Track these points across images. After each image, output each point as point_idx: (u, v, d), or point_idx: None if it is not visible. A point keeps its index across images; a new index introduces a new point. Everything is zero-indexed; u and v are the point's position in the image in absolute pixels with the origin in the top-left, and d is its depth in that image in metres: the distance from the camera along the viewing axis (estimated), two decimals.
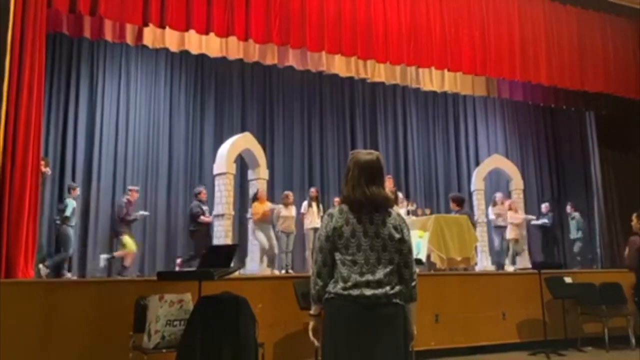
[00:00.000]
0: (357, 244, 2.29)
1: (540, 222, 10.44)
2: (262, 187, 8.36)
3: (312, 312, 2.43)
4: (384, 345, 2.22)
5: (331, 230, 2.33)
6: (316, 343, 2.41)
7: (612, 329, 6.81)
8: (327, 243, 2.34)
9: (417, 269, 2.43)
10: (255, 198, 8.12)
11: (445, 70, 8.89)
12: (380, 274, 2.27)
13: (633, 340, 6.80)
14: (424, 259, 3.82)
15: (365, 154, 2.51)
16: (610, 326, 6.82)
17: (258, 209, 7.96)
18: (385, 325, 2.23)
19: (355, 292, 2.24)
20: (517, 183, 10.19)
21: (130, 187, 8.01)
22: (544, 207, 10.62)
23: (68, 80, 8.53)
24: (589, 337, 7.03)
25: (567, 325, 6.80)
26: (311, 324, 2.43)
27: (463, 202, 8.42)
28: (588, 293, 7.05)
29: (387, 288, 2.26)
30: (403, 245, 2.34)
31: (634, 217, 5.36)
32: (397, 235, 2.33)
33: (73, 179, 8.30)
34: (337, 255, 2.32)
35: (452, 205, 8.31)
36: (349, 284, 2.26)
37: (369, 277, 2.26)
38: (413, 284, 2.35)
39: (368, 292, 2.24)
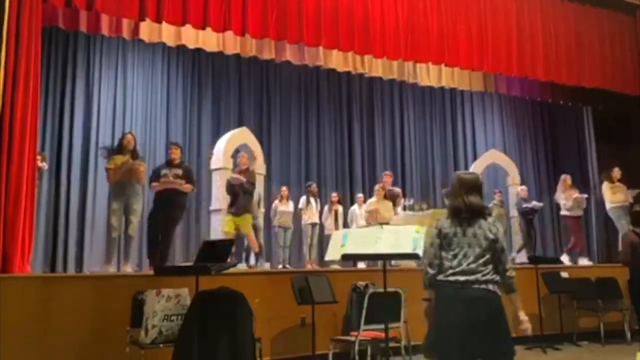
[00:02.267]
0: (457, 242, 2.95)
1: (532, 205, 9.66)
2: None
3: (425, 296, 3.06)
4: (473, 320, 2.81)
5: (437, 232, 3.03)
6: (425, 320, 3.03)
7: (607, 324, 6.84)
8: (436, 239, 3.01)
9: (511, 265, 2.97)
10: None
11: (443, 66, 8.89)
12: (473, 265, 2.89)
13: (629, 335, 6.84)
14: (421, 254, 3.84)
15: (466, 173, 3.24)
16: (606, 321, 6.85)
17: None
18: (473, 304, 2.83)
19: (452, 278, 2.90)
20: (514, 178, 10.21)
21: None
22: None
23: (64, 75, 8.50)
24: (584, 331, 7.07)
25: (563, 319, 6.83)
26: (424, 306, 3.06)
27: None
28: (584, 288, 7.08)
29: (479, 275, 2.88)
30: (496, 245, 2.93)
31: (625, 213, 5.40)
32: (491, 236, 2.93)
33: (69, 174, 8.28)
34: (442, 252, 2.98)
35: None
36: (449, 272, 2.92)
37: (464, 267, 2.90)
38: (509, 275, 2.94)
39: (462, 278, 2.88)
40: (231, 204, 7.14)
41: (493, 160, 10.40)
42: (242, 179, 7.02)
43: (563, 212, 9.00)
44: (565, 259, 8.64)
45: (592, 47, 9.19)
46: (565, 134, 11.81)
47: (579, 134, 11.40)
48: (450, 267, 2.92)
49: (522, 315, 3.00)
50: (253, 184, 7.24)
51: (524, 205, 9.31)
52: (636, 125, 9.92)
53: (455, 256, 2.94)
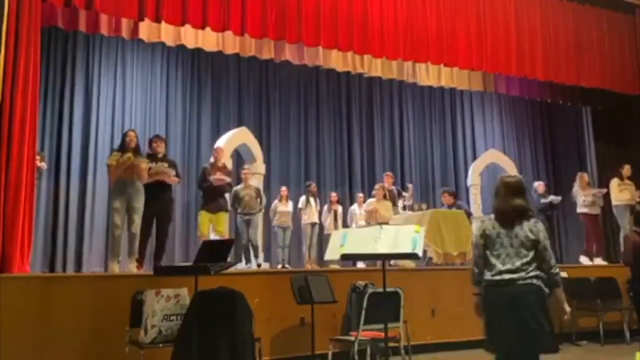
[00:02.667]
0: (500, 243, 3.16)
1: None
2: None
3: (476, 292, 3.35)
4: (518, 316, 3.06)
5: (481, 233, 3.25)
6: (476, 313, 3.35)
7: (607, 324, 6.84)
8: (480, 240, 3.25)
9: (554, 262, 3.17)
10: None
11: (442, 65, 8.89)
12: (517, 264, 3.10)
13: (628, 335, 6.84)
14: (420, 254, 3.85)
15: (509, 176, 3.45)
16: (605, 321, 6.86)
17: None
18: (518, 300, 3.05)
19: (497, 277, 3.13)
20: None
21: None
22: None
23: (63, 75, 8.49)
24: (584, 331, 7.07)
25: (562, 319, 6.81)
26: (474, 301, 3.38)
27: (457, 195, 8.51)
28: (583, 288, 7.08)
29: (522, 273, 3.09)
30: (538, 245, 3.13)
31: (627, 213, 5.40)
32: (532, 237, 3.13)
33: (68, 174, 8.28)
34: (487, 252, 3.20)
35: (448, 199, 8.31)
36: (494, 271, 3.15)
37: (508, 266, 3.11)
38: (553, 272, 3.15)
39: (507, 276, 3.10)
40: (208, 201, 6.87)
41: (492, 160, 10.41)
42: (226, 179, 6.88)
43: (580, 210, 8.79)
44: (584, 260, 8.52)
45: (591, 46, 9.19)
46: (564, 133, 11.81)
47: (578, 133, 11.41)
48: (496, 266, 3.15)
49: (566, 307, 3.34)
50: (230, 183, 7.11)
51: (542, 201, 9.01)
52: (635, 125, 9.91)
53: (499, 256, 3.16)
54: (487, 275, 3.18)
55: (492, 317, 3.18)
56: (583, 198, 8.74)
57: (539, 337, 3.07)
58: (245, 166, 7.95)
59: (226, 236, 6.91)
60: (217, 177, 6.75)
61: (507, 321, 3.08)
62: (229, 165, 8.04)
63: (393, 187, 8.76)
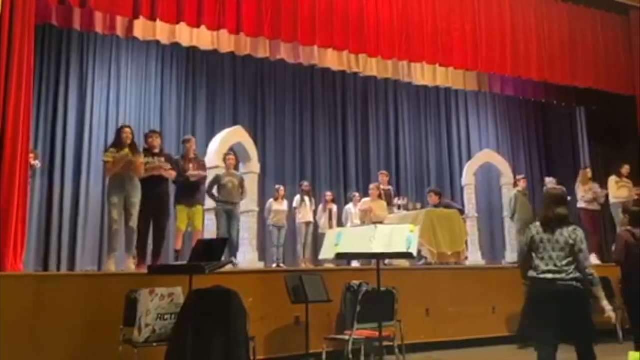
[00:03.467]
0: (544, 247, 3.65)
1: None
2: None
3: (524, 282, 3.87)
4: (558, 311, 3.53)
5: (530, 238, 3.75)
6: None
7: (599, 323, 6.83)
8: (526, 246, 3.76)
9: (588, 264, 3.64)
10: None
11: (437, 65, 8.90)
12: (558, 265, 3.59)
13: (621, 334, 6.87)
14: (414, 253, 3.87)
15: (554, 188, 4.24)
16: (598, 320, 6.87)
17: None
18: (560, 296, 3.53)
19: (542, 276, 3.62)
20: (507, 178, 10.22)
21: None
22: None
23: (57, 73, 8.45)
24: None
25: (605, 316, 6.83)
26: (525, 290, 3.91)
27: (441, 195, 8.58)
28: None
29: (564, 274, 3.58)
30: (575, 248, 3.60)
31: (620, 212, 5.42)
32: (571, 242, 3.60)
33: (62, 172, 8.24)
34: (533, 254, 3.70)
35: (434, 199, 8.33)
36: (539, 271, 3.64)
37: (551, 267, 3.60)
38: (588, 272, 3.60)
39: (550, 276, 3.59)
40: (184, 195, 6.51)
41: (487, 160, 10.41)
42: (203, 174, 6.64)
43: (580, 205, 8.82)
44: (593, 258, 8.58)
45: (586, 47, 9.23)
46: (558, 133, 11.85)
47: (572, 133, 11.45)
48: (541, 267, 3.63)
49: (606, 305, 3.76)
50: (207, 177, 6.83)
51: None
52: (629, 125, 9.97)
53: (543, 258, 3.64)
54: (533, 274, 3.67)
55: (534, 311, 3.65)
56: (582, 194, 8.77)
57: (577, 330, 3.58)
58: (230, 153, 7.57)
59: (201, 232, 6.68)
60: (194, 173, 6.48)
61: (548, 316, 3.54)
62: (224, 164, 7.99)
63: (389, 187, 8.77)
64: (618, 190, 8.68)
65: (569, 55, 8.99)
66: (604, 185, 8.97)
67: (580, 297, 3.59)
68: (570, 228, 3.65)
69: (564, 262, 3.58)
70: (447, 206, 8.28)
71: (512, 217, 9.34)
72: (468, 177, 10.12)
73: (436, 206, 8.14)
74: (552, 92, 10.10)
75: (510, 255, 9.51)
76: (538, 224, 3.76)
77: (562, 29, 9.04)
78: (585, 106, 10.74)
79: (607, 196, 8.87)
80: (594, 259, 8.53)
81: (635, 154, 9.74)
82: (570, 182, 9.57)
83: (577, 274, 3.58)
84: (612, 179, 8.83)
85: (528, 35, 8.67)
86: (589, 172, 9.07)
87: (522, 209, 9.17)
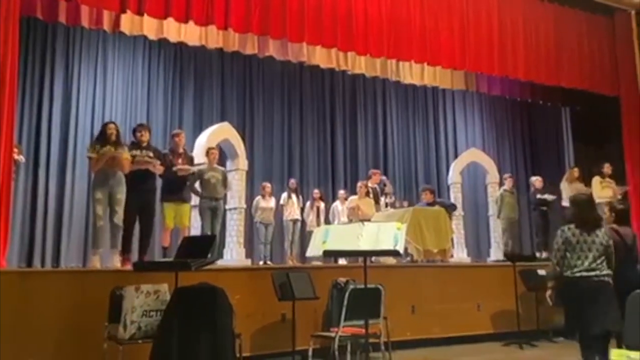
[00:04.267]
0: (580, 247, 4.01)
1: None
2: None
3: (549, 285, 4.31)
4: (595, 304, 3.92)
5: (565, 239, 4.08)
6: (550, 302, 4.27)
7: None
8: (562, 246, 4.08)
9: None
10: None
11: (425, 64, 8.95)
12: (592, 264, 3.97)
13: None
14: (401, 251, 3.89)
15: (584, 194, 4.78)
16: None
17: None
18: (594, 292, 3.93)
19: (578, 274, 3.98)
20: (493, 177, 10.32)
21: None
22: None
23: (42, 67, 8.34)
24: (560, 328, 7.17)
25: (540, 316, 6.94)
26: (549, 292, 4.29)
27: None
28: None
29: (597, 272, 3.97)
30: (607, 249, 4.04)
31: (606, 210, 5.48)
32: (604, 243, 4.04)
33: (47, 167, 8.14)
34: (568, 254, 4.04)
35: (429, 197, 8.37)
36: (575, 270, 4.00)
37: (586, 266, 3.97)
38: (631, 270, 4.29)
39: (585, 274, 3.97)
40: (170, 192, 6.37)
41: (473, 158, 10.50)
42: (191, 168, 6.50)
43: (564, 204, 8.78)
44: None
45: (571, 48, 9.33)
46: (543, 133, 11.98)
47: (557, 133, 11.59)
48: (577, 266, 3.99)
49: None
50: (194, 173, 6.67)
51: (538, 197, 9.09)
52: (612, 125, 10.10)
53: (579, 257, 4.00)
54: (568, 272, 4.02)
55: (573, 306, 3.99)
56: (568, 193, 8.84)
57: (611, 322, 3.86)
58: (213, 148, 7.45)
59: (188, 228, 6.59)
60: (181, 168, 6.34)
61: (586, 310, 3.91)
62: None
63: (376, 185, 8.79)
64: (602, 190, 8.76)
65: (554, 55, 9.08)
66: (587, 184, 9.07)
67: (612, 291, 3.99)
68: (603, 230, 4.12)
69: (598, 262, 3.99)
70: (441, 204, 8.33)
71: (498, 216, 9.43)
72: (454, 175, 10.19)
73: (430, 204, 8.18)
74: (537, 92, 10.21)
75: (495, 254, 9.60)
76: (572, 226, 4.11)
77: (549, 30, 9.13)
78: (570, 106, 10.87)
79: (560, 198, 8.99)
80: None
81: (618, 154, 9.89)
82: (555, 180, 9.69)
83: (608, 271, 4.02)
84: (596, 180, 8.92)
85: (515, 35, 8.75)
86: (575, 172, 9.14)
87: (507, 208, 9.26)
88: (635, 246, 5.19)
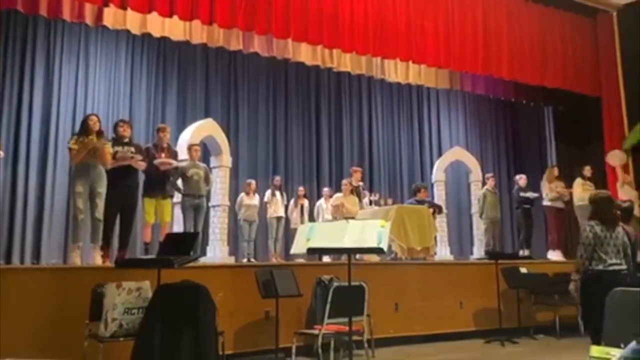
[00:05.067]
0: (607, 243, 4.35)
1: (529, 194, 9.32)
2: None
3: (574, 277, 4.52)
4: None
5: (593, 234, 4.36)
6: (574, 295, 4.56)
7: (563, 317, 7.07)
8: (592, 240, 4.34)
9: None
10: None
11: (410, 62, 8.97)
12: (617, 259, 4.36)
13: (582, 328, 7.06)
14: (385, 248, 3.89)
15: (603, 192, 5.00)
16: (561, 315, 7.08)
17: None
18: (619, 284, 3.76)
19: (609, 268, 4.32)
20: (476, 175, 10.40)
21: None
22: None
23: (23, 60, 8.17)
24: (541, 325, 7.29)
25: (521, 314, 7.02)
26: (572, 285, 4.55)
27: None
28: (541, 283, 7.28)
29: (622, 266, 4.37)
30: (626, 245, 4.44)
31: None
32: (625, 239, 4.44)
33: (27, 163, 8.01)
34: (597, 248, 4.34)
35: (424, 194, 8.43)
36: (606, 264, 4.32)
37: (614, 260, 4.34)
38: (631, 263, 4.46)
39: (611, 268, 4.32)
40: (152, 187, 6.29)
41: (457, 157, 10.57)
42: (173, 162, 6.41)
43: (545, 203, 8.99)
44: (552, 255, 8.69)
45: (555, 48, 9.43)
46: (526, 132, 12.10)
47: (539, 132, 11.71)
48: (606, 260, 4.31)
49: None
50: (177, 168, 6.60)
51: (522, 195, 9.16)
52: (594, 125, 10.24)
53: (607, 252, 4.33)
54: (600, 266, 4.31)
55: (603, 297, 3.99)
56: (547, 192, 8.93)
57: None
58: (196, 144, 7.22)
59: (170, 224, 6.50)
60: (162, 161, 6.25)
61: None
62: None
63: (360, 183, 8.80)
64: (583, 192, 8.81)
65: (538, 55, 9.17)
66: (568, 184, 9.18)
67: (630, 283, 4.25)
68: (621, 227, 4.49)
69: (621, 255, 4.37)
70: (430, 204, 8.38)
71: (480, 216, 9.51)
72: (438, 173, 10.25)
73: (421, 202, 8.24)
74: (521, 91, 10.30)
75: (478, 251, 9.68)
76: (595, 222, 4.40)
77: (533, 30, 9.22)
78: (553, 106, 10.99)
79: (570, 195, 9.06)
80: (558, 256, 8.76)
81: (600, 154, 10.03)
82: (537, 180, 9.80)
83: (628, 266, 4.40)
84: (578, 181, 9.02)
85: (499, 35, 8.82)
86: (555, 170, 9.23)
87: (490, 207, 9.34)
88: (637, 244, 5.34)
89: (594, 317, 4.08)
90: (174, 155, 6.57)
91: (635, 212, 7.36)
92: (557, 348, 6.53)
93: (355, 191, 8.47)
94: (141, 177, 6.31)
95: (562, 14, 9.70)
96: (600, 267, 4.30)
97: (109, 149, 5.62)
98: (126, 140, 5.96)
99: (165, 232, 6.10)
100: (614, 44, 10.11)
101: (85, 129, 5.62)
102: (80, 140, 5.50)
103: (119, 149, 5.81)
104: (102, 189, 5.57)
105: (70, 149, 5.62)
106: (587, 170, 9.04)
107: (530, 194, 9.14)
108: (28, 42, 8.23)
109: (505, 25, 8.92)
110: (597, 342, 3.91)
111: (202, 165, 7.04)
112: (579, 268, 4.43)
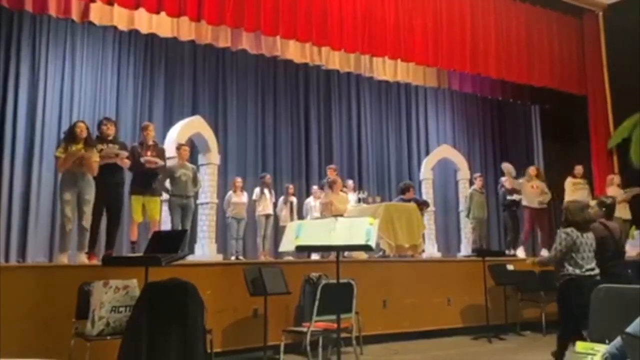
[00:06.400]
0: (583, 249, 4.53)
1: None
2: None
3: (539, 261, 5.23)
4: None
5: (571, 240, 4.54)
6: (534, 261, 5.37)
7: (548, 314, 7.14)
8: (565, 248, 4.54)
9: None
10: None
11: (398, 60, 8.99)
12: (593, 264, 4.55)
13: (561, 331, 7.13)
14: (373, 246, 3.91)
15: (572, 201, 5.29)
16: (547, 311, 7.15)
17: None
18: (597, 285, 4.00)
19: (586, 273, 4.49)
20: (464, 173, 10.46)
21: None
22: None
23: (7, 57, 8.04)
24: (527, 322, 7.36)
25: (508, 310, 7.08)
26: (539, 260, 5.25)
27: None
28: (528, 280, 7.35)
29: (596, 271, 4.55)
30: (593, 247, 4.61)
31: (593, 204, 5.62)
32: (594, 243, 4.61)
33: (12, 161, 7.90)
34: (573, 254, 4.52)
35: (412, 194, 8.46)
36: (583, 269, 4.50)
37: (591, 265, 4.54)
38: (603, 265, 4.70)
39: (588, 273, 4.50)
40: (139, 185, 6.28)
41: (444, 155, 10.62)
42: (159, 162, 6.37)
43: (524, 202, 8.97)
44: (520, 252, 8.69)
45: (542, 47, 9.52)
46: (513, 131, 12.19)
47: (526, 131, 11.80)
48: (583, 266, 4.50)
49: None
50: (164, 166, 6.56)
51: (508, 198, 9.20)
52: (580, 124, 10.34)
53: (584, 258, 4.51)
54: (577, 271, 4.49)
55: (580, 299, 4.23)
56: (526, 191, 8.92)
57: None
58: (184, 144, 7.21)
59: (157, 223, 6.49)
60: (149, 159, 6.21)
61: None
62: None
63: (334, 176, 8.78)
64: (574, 192, 8.83)
65: (525, 54, 9.25)
66: (558, 184, 9.17)
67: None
68: (591, 232, 4.64)
69: (595, 261, 4.55)
70: (415, 200, 8.42)
71: (467, 215, 9.57)
72: (426, 171, 10.30)
73: (407, 200, 8.27)
74: (508, 90, 10.38)
75: (465, 249, 9.74)
76: (571, 229, 4.56)
77: (520, 29, 9.29)
78: (540, 105, 11.08)
79: (552, 196, 8.97)
80: (521, 253, 8.75)
81: (586, 152, 10.14)
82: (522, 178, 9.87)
83: (600, 270, 4.58)
84: (569, 181, 9.06)
85: (487, 34, 8.87)
86: (533, 170, 9.15)
87: (477, 207, 9.39)
88: (622, 240, 5.39)
89: (571, 320, 4.42)
90: (160, 153, 6.52)
91: (619, 213, 7.49)
92: (543, 344, 6.58)
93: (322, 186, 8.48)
94: (127, 176, 6.26)
95: (548, 14, 9.78)
96: (578, 271, 4.48)
97: (95, 157, 5.56)
98: (110, 138, 5.92)
99: (154, 230, 6.06)
100: (600, 44, 10.22)
101: (72, 136, 5.55)
102: (67, 149, 5.44)
103: (103, 147, 5.76)
104: (90, 195, 5.52)
105: (56, 158, 5.55)
106: (578, 170, 9.09)
107: (516, 197, 9.17)
108: (13, 39, 8.10)
109: (492, 24, 8.97)
110: (564, 343, 4.47)
111: (191, 166, 7.02)
112: (542, 261, 5.01)
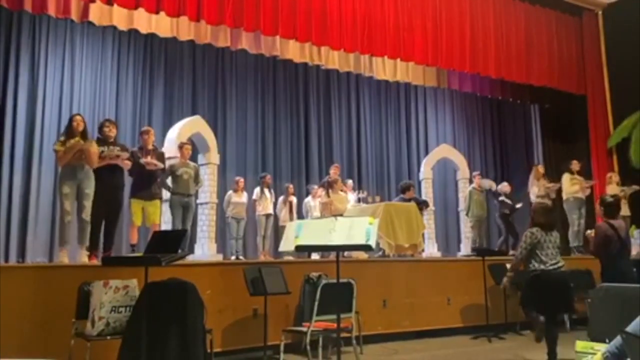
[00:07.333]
0: (547, 246, 4.90)
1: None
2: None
3: (509, 273, 5.32)
4: (565, 290, 4.98)
5: (535, 239, 4.90)
6: (505, 285, 5.48)
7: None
8: (529, 246, 4.90)
9: None
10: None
11: (398, 60, 8.99)
12: (556, 259, 4.89)
13: (568, 324, 7.16)
14: (373, 245, 3.91)
15: (539, 203, 5.61)
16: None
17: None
18: (563, 281, 4.92)
19: (549, 267, 4.85)
20: (463, 173, 10.46)
21: None
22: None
23: (7, 57, 8.05)
24: (527, 321, 7.33)
25: (508, 310, 7.08)
26: (506, 280, 5.39)
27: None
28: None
29: (560, 264, 4.90)
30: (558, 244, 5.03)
31: (598, 203, 5.63)
32: (558, 241, 5.02)
33: (12, 160, 7.90)
34: (538, 251, 4.88)
35: (412, 193, 8.46)
36: (547, 265, 4.84)
37: (553, 261, 4.87)
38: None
39: (556, 267, 4.87)
40: (139, 188, 6.28)
41: (444, 154, 10.62)
42: (159, 164, 6.35)
43: (533, 200, 8.82)
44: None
45: (541, 46, 9.52)
46: (513, 130, 12.19)
47: (526, 130, 11.81)
48: (546, 262, 4.84)
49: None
50: (164, 169, 6.54)
51: (505, 201, 9.30)
52: (580, 123, 10.35)
53: (548, 254, 4.87)
54: (542, 267, 4.84)
55: (547, 291, 4.79)
56: (536, 189, 9.01)
57: (568, 302, 5.03)
58: (187, 142, 7.23)
59: (158, 226, 6.45)
60: (149, 161, 6.22)
61: (557, 294, 4.82)
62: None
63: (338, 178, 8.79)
64: (571, 186, 8.96)
65: (524, 53, 9.25)
66: (555, 181, 9.26)
67: (567, 278, 5.02)
68: (555, 231, 5.03)
69: (559, 257, 4.91)
70: (415, 200, 8.43)
71: (467, 214, 9.58)
72: (426, 171, 10.30)
73: (408, 201, 8.28)
74: (507, 89, 10.38)
75: (465, 248, 9.74)
76: (536, 229, 4.92)
77: (519, 29, 9.30)
78: (539, 104, 11.09)
79: (559, 191, 9.14)
80: None
81: (586, 152, 10.14)
82: (523, 177, 9.89)
83: (563, 262, 4.95)
84: (566, 176, 9.11)
85: (486, 33, 8.88)
86: (540, 168, 9.28)
87: (476, 205, 9.40)
88: (628, 238, 5.37)
89: (547, 305, 4.87)
90: (160, 157, 6.53)
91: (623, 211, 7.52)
92: (543, 344, 6.58)
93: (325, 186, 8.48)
94: (127, 179, 6.27)
95: (548, 13, 9.78)
96: (542, 267, 4.84)
97: (95, 148, 5.56)
98: (111, 140, 5.92)
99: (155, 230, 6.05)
100: (599, 43, 10.23)
101: (69, 130, 5.56)
102: (65, 142, 5.44)
103: (104, 149, 5.77)
104: (90, 189, 5.52)
105: (55, 151, 5.56)
106: (575, 164, 9.14)
107: (519, 205, 9.29)
108: (12, 38, 8.11)
109: (492, 24, 8.98)
110: (552, 337, 4.87)
111: (193, 164, 7.03)
112: (513, 266, 5.16)
